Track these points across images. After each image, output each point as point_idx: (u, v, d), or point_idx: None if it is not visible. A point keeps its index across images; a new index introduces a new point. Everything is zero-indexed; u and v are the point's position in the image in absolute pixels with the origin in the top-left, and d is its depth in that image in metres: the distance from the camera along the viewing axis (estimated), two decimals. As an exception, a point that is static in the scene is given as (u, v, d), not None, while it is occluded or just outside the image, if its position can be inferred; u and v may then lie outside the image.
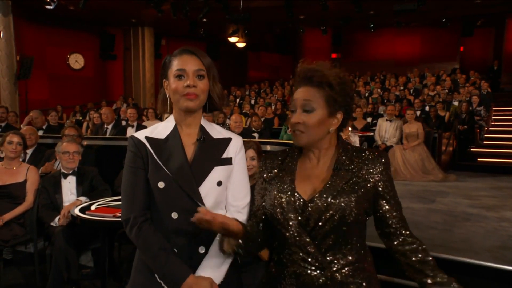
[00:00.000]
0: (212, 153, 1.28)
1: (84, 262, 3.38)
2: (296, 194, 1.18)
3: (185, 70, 1.23)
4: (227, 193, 1.32)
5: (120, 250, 3.34)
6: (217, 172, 1.27)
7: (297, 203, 1.17)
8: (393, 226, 1.19)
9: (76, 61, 13.26)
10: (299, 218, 1.16)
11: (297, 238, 1.15)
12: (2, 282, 3.12)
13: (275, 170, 1.27)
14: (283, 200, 1.18)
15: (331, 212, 1.12)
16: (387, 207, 1.19)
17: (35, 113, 5.73)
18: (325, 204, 1.13)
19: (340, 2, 11.00)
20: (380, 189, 1.18)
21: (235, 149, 1.32)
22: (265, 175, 1.29)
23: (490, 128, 9.73)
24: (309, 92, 1.18)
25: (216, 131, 1.33)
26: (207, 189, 1.25)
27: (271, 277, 1.25)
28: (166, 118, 1.35)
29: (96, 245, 3.03)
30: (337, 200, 1.13)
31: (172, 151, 1.25)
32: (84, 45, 13.40)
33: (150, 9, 11.09)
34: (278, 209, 1.18)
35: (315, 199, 1.15)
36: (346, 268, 1.16)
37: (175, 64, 1.24)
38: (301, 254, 1.16)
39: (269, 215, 1.23)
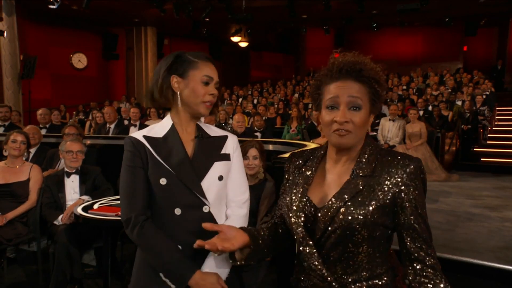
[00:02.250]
0: (211, 149, 1.31)
1: (87, 261, 3.38)
2: (304, 199, 1.10)
3: (213, 79, 1.29)
4: (227, 189, 1.35)
5: (123, 249, 3.35)
6: (218, 167, 1.29)
7: (306, 208, 1.09)
8: (409, 246, 1.01)
9: (79, 60, 13.30)
10: (308, 225, 1.08)
11: (302, 247, 1.08)
12: (6, 280, 3.13)
13: (296, 170, 1.20)
14: (293, 204, 1.12)
15: (337, 222, 1.03)
16: (405, 221, 1.02)
17: (44, 110, 5.84)
18: (332, 213, 1.04)
19: (342, 1, 10.98)
20: (399, 200, 1.02)
21: (232, 146, 1.36)
22: (287, 176, 1.23)
23: (493, 128, 9.69)
24: (355, 88, 1.04)
25: (212, 130, 1.37)
26: (209, 184, 1.26)
27: (293, 281, 1.20)
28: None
29: (98, 244, 3.03)
30: (345, 210, 1.02)
31: (172, 148, 1.26)
32: (87, 45, 13.45)
33: (152, 9, 11.11)
34: (289, 213, 1.12)
35: (326, 206, 1.06)
36: (357, 284, 1.05)
37: (204, 69, 1.28)
38: (307, 263, 1.08)
39: (283, 217, 1.18)
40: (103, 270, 2.74)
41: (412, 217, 1.01)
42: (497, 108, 10.44)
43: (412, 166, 1.03)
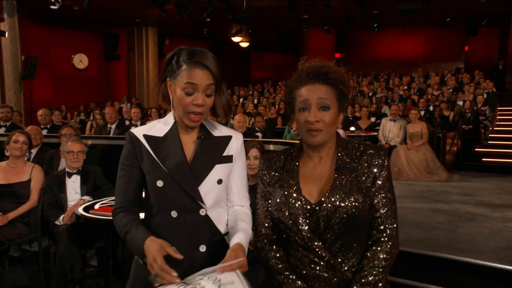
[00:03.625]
0: (213, 151, 1.27)
1: (88, 261, 3.39)
2: (302, 197, 1.16)
3: (196, 86, 1.17)
4: (231, 191, 1.32)
5: (124, 249, 3.35)
6: (218, 170, 1.26)
7: (305, 207, 1.15)
8: (379, 219, 1.17)
9: (80, 61, 13.32)
10: (308, 222, 1.14)
11: (309, 244, 1.13)
12: (7, 280, 3.14)
13: (277, 173, 1.25)
14: (290, 204, 1.16)
15: (340, 214, 1.11)
16: (379, 199, 1.17)
17: (44, 111, 5.85)
18: (334, 207, 1.12)
19: (343, 1, 10.97)
20: (379, 182, 1.17)
21: (236, 146, 1.31)
22: (266, 178, 1.27)
23: (495, 128, 9.68)
24: (323, 90, 1.16)
25: (216, 129, 1.32)
26: (208, 188, 1.24)
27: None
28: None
29: (100, 244, 3.04)
30: (346, 202, 1.12)
31: (170, 150, 1.23)
32: (88, 45, 13.46)
33: (153, 9, 11.12)
34: (287, 214, 1.16)
35: (323, 202, 1.13)
36: (352, 269, 1.15)
37: (186, 75, 1.17)
38: (311, 256, 1.14)
39: (276, 220, 1.21)
40: (104, 270, 2.74)
41: (388, 194, 1.18)
42: (498, 108, 10.42)
43: (381, 152, 1.19)
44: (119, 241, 3.22)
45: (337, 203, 1.12)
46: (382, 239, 1.15)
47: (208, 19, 11.68)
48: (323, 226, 1.13)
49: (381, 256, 1.14)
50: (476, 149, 8.64)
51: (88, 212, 2.59)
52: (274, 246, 1.24)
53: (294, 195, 1.17)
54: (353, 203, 1.11)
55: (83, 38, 13.25)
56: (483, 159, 8.28)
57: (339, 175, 1.16)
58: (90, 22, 12.89)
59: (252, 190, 2.53)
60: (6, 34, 9.64)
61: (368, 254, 1.15)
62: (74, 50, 13.11)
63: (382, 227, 1.16)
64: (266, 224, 1.26)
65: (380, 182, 1.17)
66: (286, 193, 1.18)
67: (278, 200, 1.19)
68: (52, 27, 12.28)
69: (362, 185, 1.15)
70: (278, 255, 1.23)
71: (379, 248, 1.15)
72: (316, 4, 11.02)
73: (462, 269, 2.82)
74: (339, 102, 1.18)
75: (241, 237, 1.19)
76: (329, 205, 1.12)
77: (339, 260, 1.15)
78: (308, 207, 1.15)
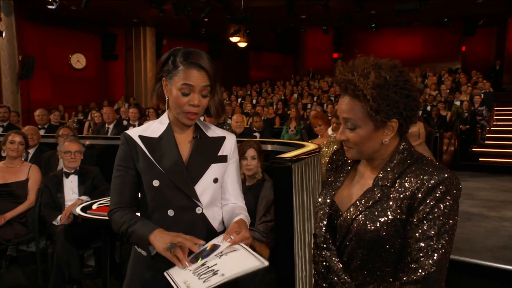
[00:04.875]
0: (208, 150, 1.30)
1: (86, 261, 3.39)
2: (328, 200, 1.11)
3: (193, 87, 1.19)
4: (227, 191, 1.35)
5: (122, 249, 3.35)
6: (214, 169, 1.28)
7: (332, 212, 1.10)
8: (412, 254, 0.94)
9: (78, 61, 13.28)
10: (331, 228, 1.09)
11: (325, 252, 1.09)
12: (5, 280, 3.13)
13: (333, 173, 1.21)
14: (320, 205, 1.13)
15: (352, 231, 1.02)
16: (415, 231, 0.94)
17: (41, 111, 5.84)
18: (348, 222, 1.03)
19: (341, 2, 10.99)
20: (421, 211, 0.95)
21: (230, 147, 1.34)
22: (328, 176, 1.23)
23: (491, 128, 9.71)
24: (349, 106, 1.02)
25: (210, 130, 1.34)
26: (204, 186, 1.26)
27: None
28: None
29: (97, 244, 3.03)
30: (359, 221, 1.00)
31: (166, 150, 1.25)
32: (86, 45, 13.43)
33: (151, 9, 11.10)
34: (316, 214, 1.14)
35: (346, 212, 1.05)
36: None
37: (183, 76, 1.18)
38: (325, 264, 1.10)
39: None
40: (102, 270, 2.75)
41: (428, 229, 0.93)
42: (495, 108, 10.46)
43: (437, 178, 0.95)
44: (117, 241, 3.22)
45: (354, 219, 1.02)
46: (408, 279, 0.95)
47: (206, 19, 11.68)
48: (340, 237, 1.06)
49: None
50: (473, 149, 8.67)
51: (86, 212, 2.59)
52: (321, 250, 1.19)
53: (327, 197, 1.12)
54: (367, 226, 0.99)
55: (80, 38, 13.22)
56: (480, 159, 8.31)
57: (370, 191, 1.03)
58: (87, 22, 12.86)
59: (250, 190, 2.53)
60: (3, 34, 9.61)
61: (386, 284, 1.00)
62: (72, 50, 13.08)
63: (413, 265, 0.94)
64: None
65: (421, 212, 0.94)
66: (325, 192, 1.15)
67: (319, 199, 1.16)
68: (50, 27, 12.24)
69: (390, 210, 0.98)
70: (318, 259, 1.17)
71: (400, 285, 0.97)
72: (314, 4, 11.04)
73: (458, 268, 2.83)
74: (371, 117, 0.99)
75: (242, 217, 1.25)
76: (347, 219, 1.04)
77: (360, 280, 1.04)
78: (335, 214, 1.09)
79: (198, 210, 1.26)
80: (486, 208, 4.56)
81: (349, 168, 1.15)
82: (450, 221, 0.94)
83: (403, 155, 1.03)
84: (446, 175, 0.95)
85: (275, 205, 2.36)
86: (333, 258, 1.06)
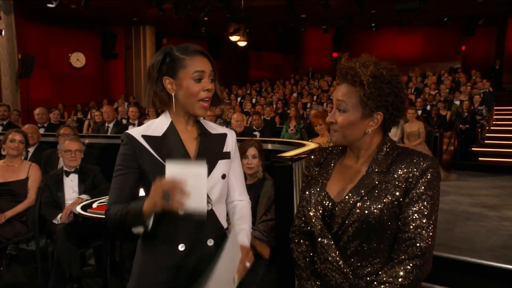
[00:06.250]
0: (214, 147, 1.30)
1: (86, 260, 3.39)
2: (323, 193, 1.17)
3: (204, 72, 1.22)
4: (232, 187, 1.37)
5: (122, 248, 3.34)
6: (221, 166, 1.29)
7: (324, 202, 1.16)
8: (407, 234, 1.06)
9: (78, 59, 13.27)
10: (326, 218, 1.14)
11: (320, 239, 1.14)
12: (5, 279, 3.13)
13: (317, 168, 1.26)
14: (312, 198, 1.19)
15: (354, 216, 1.08)
16: (409, 213, 1.06)
17: (41, 109, 5.82)
18: (349, 207, 1.10)
19: (342, 1, 10.98)
20: (414, 194, 1.07)
21: (232, 143, 1.36)
22: (307, 172, 1.28)
23: (491, 128, 9.72)
24: (345, 90, 1.13)
25: (212, 127, 1.35)
26: (213, 183, 1.26)
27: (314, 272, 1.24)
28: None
29: (98, 243, 3.03)
30: (362, 204, 1.08)
31: (172, 147, 1.24)
32: (86, 44, 13.42)
33: (151, 8, 11.10)
34: (308, 207, 1.19)
35: (342, 200, 1.12)
36: (372, 276, 1.09)
37: (192, 65, 1.21)
38: (325, 255, 1.14)
39: (305, 212, 1.24)
40: (102, 269, 2.75)
41: (421, 209, 1.06)
42: (495, 107, 10.47)
43: (424, 164, 1.08)
44: (117, 240, 3.22)
45: (352, 203, 1.09)
46: (406, 256, 1.06)
47: (206, 18, 11.68)
48: (337, 225, 1.12)
49: (400, 274, 1.05)
50: (473, 149, 8.68)
51: (86, 211, 2.59)
52: (301, 240, 1.27)
53: (318, 189, 1.19)
54: (368, 208, 1.07)
55: (80, 37, 13.20)
56: (479, 159, 8.32)
57: (366, 178, 1.12)
58: (87, 21, 12.84)
59: (251, 189, 2.52)
60: (3, 33, 9.61)
61: (387, 267, 1.08)
62: (72, 49, 13.07)
63: (408, 243, 1.06)
64: (300, 215, 1.29)
65: (414, 194, 1.07)
66: (314, 186, 1.21)
67: (307, 193, 1.22)
68: (50, 25, 12.23)
69: (388, 192, 1.08)
70: (300, 249, 1.26)
71: (400, 264, 1.06)
72: (314, 3, 11.03)
73: (459, 268, 2.83)
74: (362, 105, 1.11)
75: (244, 235, 1.29)
76: (345, 205, 1.10)
77: (355, 265, 1.11)
78: (330, 203, 1.15)
79: (208, 207, 1.25)
80: (486, 208, 4.57)
81: (336, 161, 1.24)
82: (437, 201, 1.10)
83: (390, 147, 1.16)
84: (431, 161, 1.10)
85: (276, 204, 2.36)
86: (331, 247, 1.13)
